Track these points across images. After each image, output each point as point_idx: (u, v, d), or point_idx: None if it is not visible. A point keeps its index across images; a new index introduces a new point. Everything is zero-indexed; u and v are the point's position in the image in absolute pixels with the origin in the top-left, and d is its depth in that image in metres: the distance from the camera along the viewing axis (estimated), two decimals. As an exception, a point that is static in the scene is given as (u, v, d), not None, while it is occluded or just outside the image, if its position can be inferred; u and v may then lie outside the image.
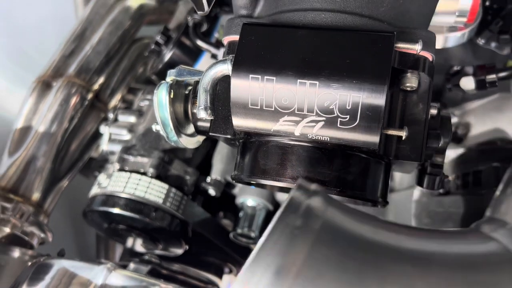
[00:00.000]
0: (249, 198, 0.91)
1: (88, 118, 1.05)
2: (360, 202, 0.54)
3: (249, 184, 0.54)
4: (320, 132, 0.44)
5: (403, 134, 0.44)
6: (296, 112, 0.43)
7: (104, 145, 0.94)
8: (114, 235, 0.89)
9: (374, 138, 0.43)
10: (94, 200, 0.83)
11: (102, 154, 0.99)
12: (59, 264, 0.70)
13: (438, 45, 0.78)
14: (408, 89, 0.47)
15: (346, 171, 0.46)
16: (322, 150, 0.46)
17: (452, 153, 0.91)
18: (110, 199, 0.81)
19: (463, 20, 0.73)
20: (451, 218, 0.80)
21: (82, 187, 0.99)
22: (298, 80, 0.42)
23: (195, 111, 0.53)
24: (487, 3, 0.84)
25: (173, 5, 1.25)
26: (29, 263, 0.78)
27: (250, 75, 0.43)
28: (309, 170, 0.46)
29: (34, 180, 0.93)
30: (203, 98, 0.48)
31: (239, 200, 0.93)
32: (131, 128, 0.93)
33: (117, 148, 0.91)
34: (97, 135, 1.04)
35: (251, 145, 0.50)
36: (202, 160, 0.96)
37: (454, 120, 0.91)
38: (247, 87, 0.43)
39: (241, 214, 0.91)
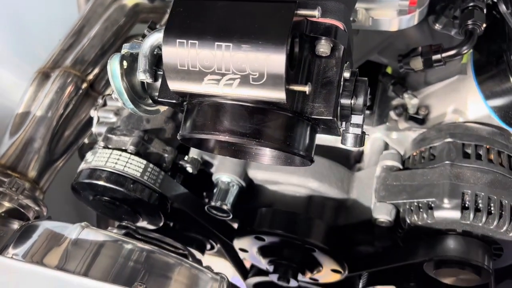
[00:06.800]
0: (223, 175, 0.98)
1: (82, 105, 1.15)
2: (283, 155, 0.61)
3: (191, 143, 0.62)
4: (238, 90, 0.51)
5: (307, 89, 0.50)
6: (216, 71, 0.50)
7: (93, 128, 1.03)
8: (100, 208, 0.98)
9: (281, 93, 0.49)
10: (80, 174, 0.92)
11: (92, 137, 1.08)
12: (44, 225, 0.79)
13: (393, 27, 0.84)
14: (323, 54, 0.54)
15: (265, 125, 0.53)
16: (244, 107, 0.53)
17: (414, 133, 0.96)
18: (93, 172, 0.90)
19: (406, 3, 0.79)
20: (405, 190, 0.85)
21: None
22: (216, 43, 0.49)
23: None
24: (441, -10, 0.90)
25: (165, 4, 1.34)
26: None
27: (177, 40, 0.51)
28: (233, 124, 0.53)
29: (31, 159, 1.03)
30: (142, 62, 0.56)
31: (215, 177, 1.00)
32: (117, 112, 1.02)
33: (104, 130, 1.00)
34: (91, 122, 1.13)
35: (191, 107, 0.58)
36: (183, 141, 1.04)
37: (415, 101, 0.96)
38: (176, 51, 0.51)
39: (215, 189, 0.99)
